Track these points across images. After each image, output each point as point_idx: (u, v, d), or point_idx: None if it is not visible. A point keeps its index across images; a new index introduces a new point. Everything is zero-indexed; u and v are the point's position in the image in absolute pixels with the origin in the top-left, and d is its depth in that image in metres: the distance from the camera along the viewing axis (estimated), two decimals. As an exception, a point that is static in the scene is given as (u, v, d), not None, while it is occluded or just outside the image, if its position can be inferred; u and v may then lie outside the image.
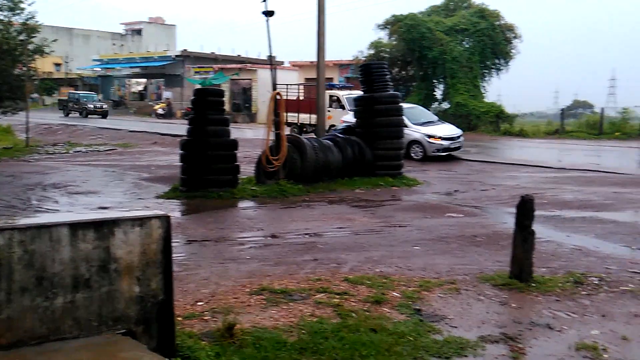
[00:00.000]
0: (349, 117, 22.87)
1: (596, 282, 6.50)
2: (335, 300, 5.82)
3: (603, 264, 7.31)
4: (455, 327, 5.23)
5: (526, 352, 4.77)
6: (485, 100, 35.56)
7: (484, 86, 36.51)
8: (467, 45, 35.37)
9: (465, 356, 4.65)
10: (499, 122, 33.30)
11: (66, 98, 51.52)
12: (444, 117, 35.19)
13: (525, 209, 6.38)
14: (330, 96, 25.07)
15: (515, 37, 36.18)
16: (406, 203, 12.01)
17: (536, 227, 6.52)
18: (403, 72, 38.99)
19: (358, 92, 23.59)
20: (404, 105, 21.16)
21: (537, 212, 6.60)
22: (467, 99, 33.98)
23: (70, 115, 47.99)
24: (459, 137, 20.17)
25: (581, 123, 33.32)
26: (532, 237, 6.39)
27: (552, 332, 5.15)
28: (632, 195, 12.84)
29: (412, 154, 19.27)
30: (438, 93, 37.03)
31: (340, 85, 25.57)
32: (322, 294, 5.99)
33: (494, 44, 35.18)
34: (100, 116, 46.13)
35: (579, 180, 15.06)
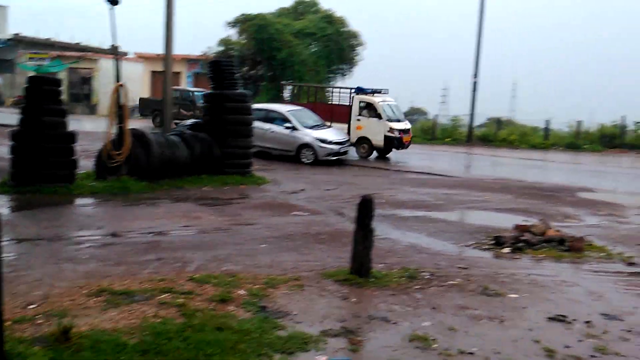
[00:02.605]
0: (392, 126, 20.85)
1: (427, 277, 7.01)
2: (180, 300, 5.72)
3: (434, 260, 7.90)
4: (299, 322, 5.38)
5: (364, 345, 5.04)
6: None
7: (330, 90, 37.67)
8: (314, 49, 36.31)
9: (308, 351, 4.80)
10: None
11: None
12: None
13: (365, 208, 6.72)
14: (361, 103, 21.35)
15: (359, 44, 37.78)
16: (254, 201, 12.08)
17: (375, 225, 6.89)
18: (252, 71, 39.11)
19: (391, 100, 21.96)
20: (291, 107, 20.77)
21: (376, 211, 6.97)
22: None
23: None
24: (346, 141, 20.08)
25: (416, 128, 35.61)
26: (372, 235, 6.75)
27: (388, 325, 5.48)
28: (460, 196, 13.98)
29: (303, 158, 18.73)
30: (286, 94, 37.59)
31: (371, 90, 21.64)
32: (166, 294, 5.86)
33: (339, 49, 36.45)
34: None
35: (414, 182, 16.10)
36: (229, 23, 36.30)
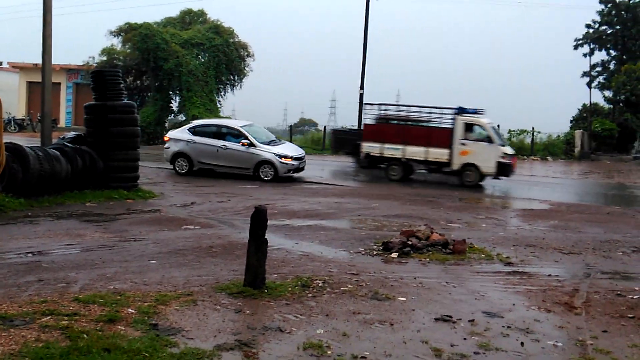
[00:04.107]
0: (505, 150, 18.90)
1: (320, 285, 7.11)
2: (64, 322, 5.43)
3: (326, 268, 8.02)
4: (192, 338, 5.27)
5: (259, 357, 5.02)
6: (221, 114, 36.42)
7: (219, 101, 37.36)
8: (202, 60, 35.86)
9: (202, 366, 4.71)
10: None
11: None
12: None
13: (258, 219, 6.72)
14: (467, 124, 19.12)
15: (248, 55, 37.74)
16: (142, 216, 11.71)
17: (268, 236, 6.91)
18: (138, 82, 38.02)
19: (490, 121, 19.49)
20: (243, 122, 19.75)
21: (269, 222, 6.99)
22: (203, 112, 34.39)
23: None
24: (304, 156, 19.41)
25: (307, 139, 36.18)
26: (265, 246, 6.75)
27: (283, 335, 5.50)
28: (349, 204, 14.32)
29: (262, 175, 18.11)
30: (174, 105, 36.87)
31: (474, 110, 19.18)
32: (49, 317, 5.54)
33: (228, 60, 36.23)
34: None
35: (306, 192, 16.29)
36: (112, 32, 35.06)
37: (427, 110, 20.27)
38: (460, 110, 19.35)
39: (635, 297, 7.34)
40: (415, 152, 19.56)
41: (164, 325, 5.54)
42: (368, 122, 21.19)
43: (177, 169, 18.90)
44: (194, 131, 19.00)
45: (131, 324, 5.49)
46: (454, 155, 19.15)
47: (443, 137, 19.38)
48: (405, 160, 19.83)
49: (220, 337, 5.35)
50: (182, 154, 18.80)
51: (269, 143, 18.90)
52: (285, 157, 18.44)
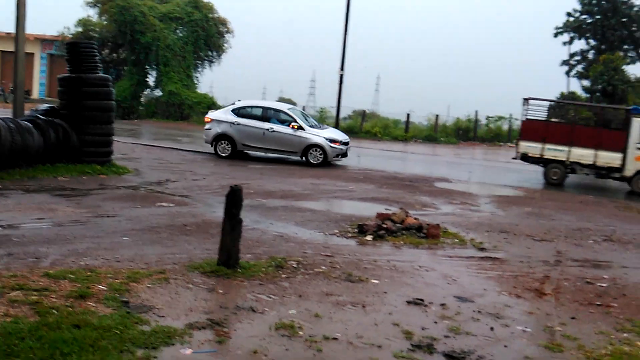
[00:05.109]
0: None
1: (294, 266, 7.11)
2: (34, 297, 5.35)
3: (301, 249, 8.02)
4: (163, 316, 5.24)
5: (231, 336, 5.01)
6: (198, 91, 36.07)
7: (197, 77, 36.99)
8: (180, 34, 35.39)
9: (173, 344, 4.69)
10: (211, 113, 34.13)
11: None
12: (156, 105, 34.88)
13: (234, 198, 6.67)
14: None
15: (227, 32, 37.34)
16: (115, 192, 11.56)
17: (244, 215, 6.87)
18: (114, 55, 37.37)
19: None
20: (288, 105, 19.35)
21: (245, 202, 6.95)
22: (180, 88, 34.04)
23: None
24: (349, 141, 19.19)
25: (285, 119, 35.99)
26: (240, 225, 6.71)
27: (255, 315, 5.49)
28: (326, 186, 14.31)
29: (311, 159, 17.89)
30: (150, 79, 36.40)
31: None
32: (18, 292, 5.46)
33: (207, 35, 35.80)
34: None
35: (282, 173, 16.23)
36: (89, 3, 34.42)
37: (598, 109, 18.71)
38: (636, 111, 17.78)
39: (603, 285, 7.48)
40: (581, 154, 17.99)
41: (135, 303, 5.49)
42: (529, 119, 19.23)
43: (219, 151, 18.22)
44: (238, 112, 18.36)
45: (102, 301, 5.44)
46: (627, 159, 17.51)
47: (616, 140, 17.75)
48: (570, 163, 18.25)
49: (192, 315, 5.32)
50: (225, 135, 18.17)
51: (314, 127, 18.74)
52: (335, 141, 18.31)
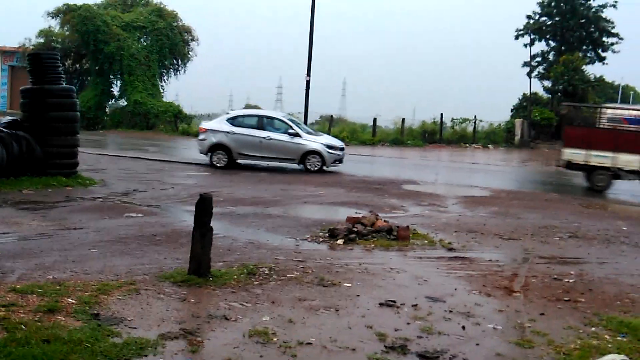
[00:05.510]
0: None
1: (267, 272, 7.09)
2: (1, 313, 5.24)
3: (273, 255, 8.01)
4: (135, 327, 5.18)
5: (204, 345, 4.98)
6: (164, 99, 35.78)
7: (162, 85, 36.72)
8: (145, 43, 35.07)
9: (145, 356, 4.63)
10: (177, 122, 33.91)
11: None
12: (122, 114, 34.48)
13: (204, 206, 6.63)
14: None
15: (192, 40, 37.15)
16: (82, 204, 11.38)
17: (214, 223, 6.83)
18: (77, 65, 36.88)
19: None
20: (282, 113, 19.42)
21: (215, 209, 6.91)
22: (145, 97, 33.72)
23: None
24: (344, 147, 19.29)
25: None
26: (210, 234, 6.68)
27: (228, 323, 5.47)
28: (296, 192, 14.32)
29: (309, 166, 17.90)
30: (115, 89, 36.00)
31: None
32: (-16, 308, 5.33)
33: (171, 44, 35.56)
34: None
35: (251, 179, 16.19)
36: (50, 13, 33.88)
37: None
38: None
39: (570, 280, 7.63)
40: (629, 160, 17.49)
41: (106, 315, 5.42)
42: (572, 125, 19.07)
43: (215, 162, 18.01)
44: (233, 122, 18.21)
45: (71, 314, 5.35)
46: None
47: (635, 142, 17.44)
48: (615, 169, 17.74)
49: (164, 326, 5.27)
50: (221, 145, 17.98)
51: (310, 134, 18.74)
52: (333, 147, 18.35)
